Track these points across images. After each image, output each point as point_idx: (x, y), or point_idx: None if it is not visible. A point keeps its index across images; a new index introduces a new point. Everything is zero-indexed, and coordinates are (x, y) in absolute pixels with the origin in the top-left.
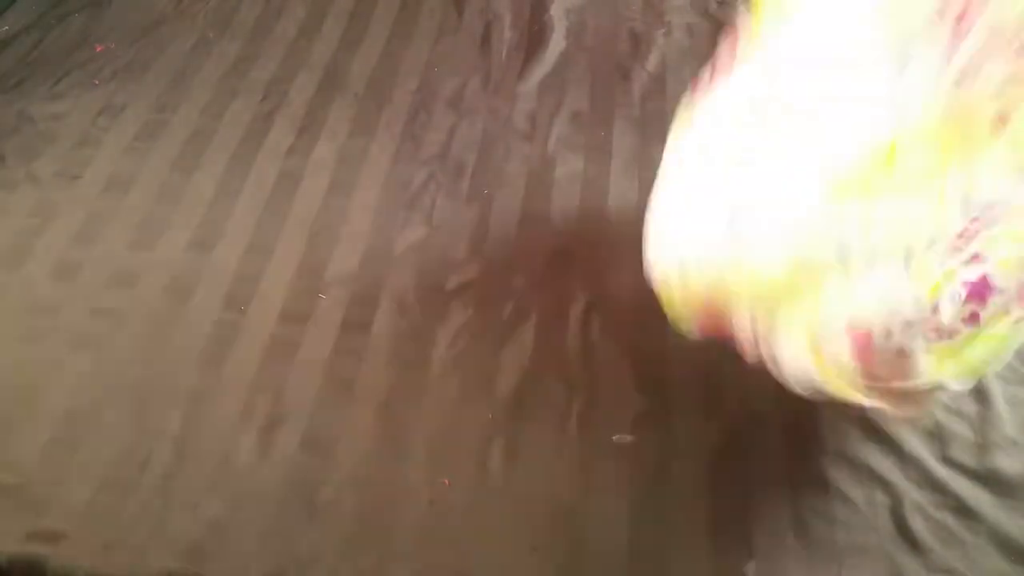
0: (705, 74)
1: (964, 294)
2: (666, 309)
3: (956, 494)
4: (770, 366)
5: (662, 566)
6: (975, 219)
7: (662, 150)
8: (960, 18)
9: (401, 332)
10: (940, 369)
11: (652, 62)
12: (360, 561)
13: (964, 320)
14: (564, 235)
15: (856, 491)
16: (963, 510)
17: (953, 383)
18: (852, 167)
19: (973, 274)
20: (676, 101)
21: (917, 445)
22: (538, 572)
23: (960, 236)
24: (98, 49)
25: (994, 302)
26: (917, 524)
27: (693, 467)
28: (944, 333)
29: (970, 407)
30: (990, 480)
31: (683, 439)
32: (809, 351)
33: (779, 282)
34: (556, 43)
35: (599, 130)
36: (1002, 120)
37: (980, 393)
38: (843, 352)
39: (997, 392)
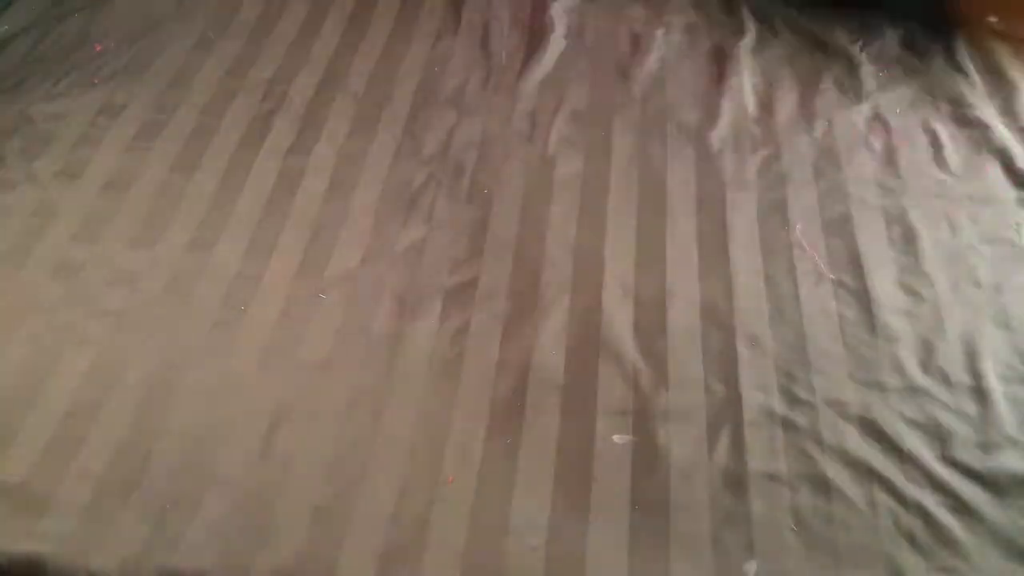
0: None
1: None
2: None
3: (956, 494)
4: None
5: (662, 563)
6: None
7: (662, 150)
8: None
9: (401, 332)
10: None
11: (652, 62)
12: (362, 560)
13: None
14: (563, 235)
15: (856, 491)
16: (963, 510)
17: None
18: None
19: None
20: (676, 101)
21: (917, 445)
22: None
23: None
24: (98, 49)
25: None
26: (917, 524)
27: (692, 466)
28: None
29: (970, 407)
30: (990, 480)
31: (681, 436)
32: None
33: None
34: (556, 43)
35: (599, 130)
36: None
37: (980, 393)
38: None
39: (997, 392)
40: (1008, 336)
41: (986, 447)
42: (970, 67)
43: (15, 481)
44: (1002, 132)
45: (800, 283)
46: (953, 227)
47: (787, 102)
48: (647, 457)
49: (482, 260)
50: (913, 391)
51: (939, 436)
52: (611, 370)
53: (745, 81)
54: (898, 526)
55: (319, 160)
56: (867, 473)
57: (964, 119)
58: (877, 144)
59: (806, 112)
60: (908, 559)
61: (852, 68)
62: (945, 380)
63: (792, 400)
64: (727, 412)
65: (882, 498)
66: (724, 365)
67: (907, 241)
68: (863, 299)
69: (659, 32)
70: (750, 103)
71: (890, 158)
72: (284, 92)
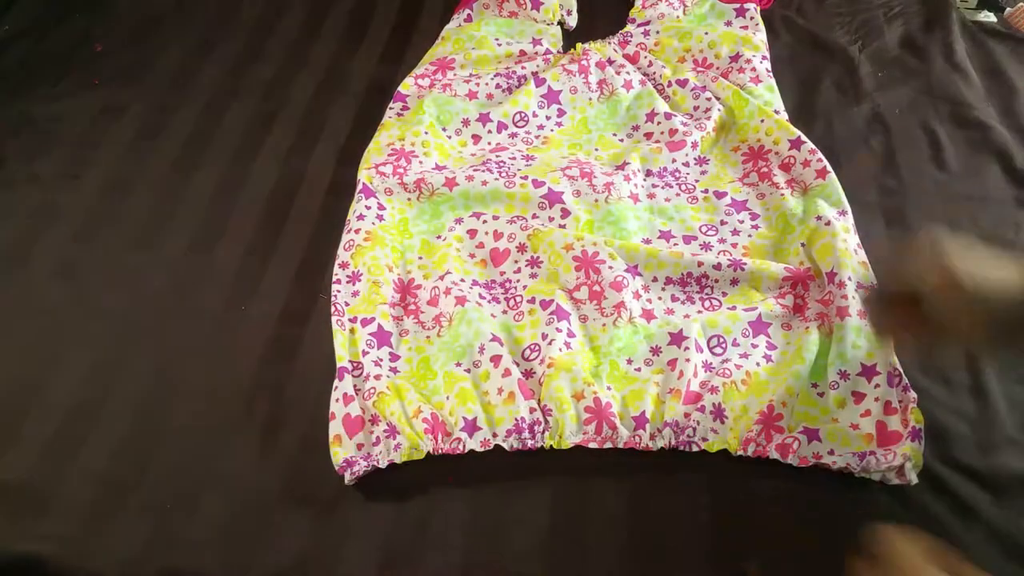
0: None
1: None
2: None
3: (955, 494)
4: None
5: (661, 562)
6: None
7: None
8: None
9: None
10: None
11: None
12: (362, 560)
13: None
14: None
15: (856, 490)
16: (963, 510)
17: None
18: None
19: None
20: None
21: None
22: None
23: None
24: (98, 49)
25: None
26: (916, 523)
27: (695, 466)
28: None
29: (970, 407)
30: (990, 479)
31: None
32: None
33: None
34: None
35: None
36: None
37: (980, 393)
38: None
39: (997, 392)
40: None
41: (985, 447)
42: (970, 67)
43: (15, 481)
44: (1001, 132)
45: None
46: (952, 227)
47: (786, 102)
48: None
49: None
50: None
51: (938, 437)
52: None
53: None
54: (898, 526)
55: (319, 160)
56: None
57: (964, 119)
58: (876, 145)
59: (805, 113)
60: None
61: (851, 68)
62: (944, 380)
63: None
64: None
65: (882, 498)
66: None
67: (906, 242)
68: None
69: None
70: None
71: (889, 158)
72: (284, 92)
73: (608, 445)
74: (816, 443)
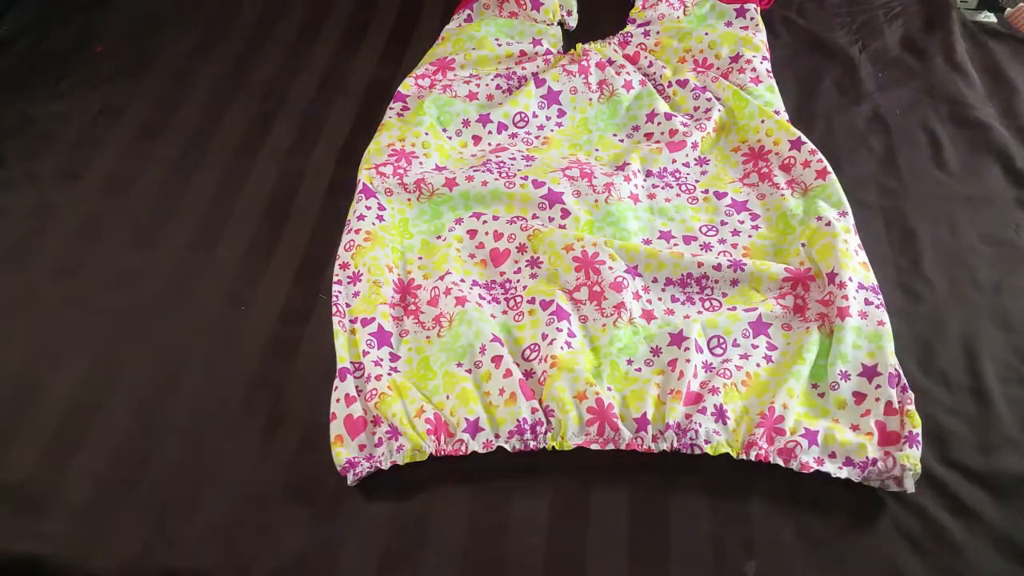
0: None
1: None
2: None
3: (956, 494)
4: None
5: (661, 562)
6: None
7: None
8: None
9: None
10: None
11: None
12: (362, 560)
13: None
14: None
15: (855, 490)
16: (963, 510)
17: None
18: None
19: None
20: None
21: None
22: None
23: None
24: (98, 49)
25: None
26: (916, 524)
27: (696, 467)
28: None
29: (970, 407)
30: (990, 480)
31: None
32: None
33: None
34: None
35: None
36: None
37: (980, 393)
38: None
39: (996, 393)
40: (1007, 337)
41: (985, 448)
42: (970, 67)
43: (15, 481)
44: (1001, 132)
45: None
46: (952, 227)
47: (786, 103)
48: None
49: None
50: (912, 392)
51: (938, 437)
52: None
53: None
54: (897, 526)
55: (319, 160)
56: None
57: (964, 119)
58: (876, 145)
59: (805, 113)
60: (908, 559)
61: (852, 69)
62: (944, 381)
63: None
64: None
65: (881, 498)
66: None
67: (906, 242)
68: None
69: None
70: None
71: (889, 159)
72: (284, 92)
73: (610, 447)
74: (816, 447)
